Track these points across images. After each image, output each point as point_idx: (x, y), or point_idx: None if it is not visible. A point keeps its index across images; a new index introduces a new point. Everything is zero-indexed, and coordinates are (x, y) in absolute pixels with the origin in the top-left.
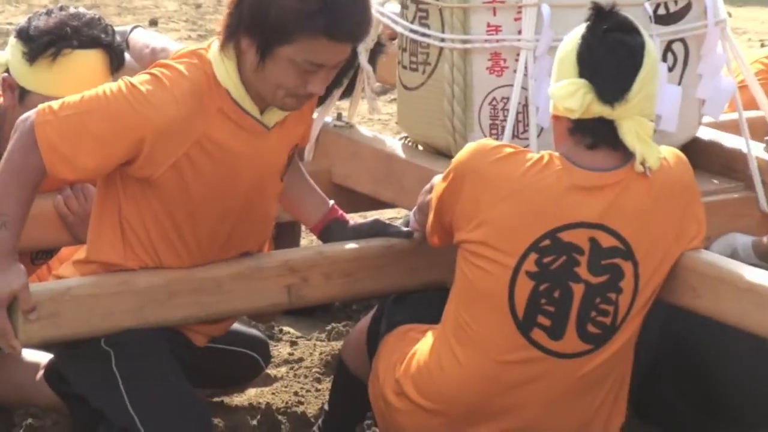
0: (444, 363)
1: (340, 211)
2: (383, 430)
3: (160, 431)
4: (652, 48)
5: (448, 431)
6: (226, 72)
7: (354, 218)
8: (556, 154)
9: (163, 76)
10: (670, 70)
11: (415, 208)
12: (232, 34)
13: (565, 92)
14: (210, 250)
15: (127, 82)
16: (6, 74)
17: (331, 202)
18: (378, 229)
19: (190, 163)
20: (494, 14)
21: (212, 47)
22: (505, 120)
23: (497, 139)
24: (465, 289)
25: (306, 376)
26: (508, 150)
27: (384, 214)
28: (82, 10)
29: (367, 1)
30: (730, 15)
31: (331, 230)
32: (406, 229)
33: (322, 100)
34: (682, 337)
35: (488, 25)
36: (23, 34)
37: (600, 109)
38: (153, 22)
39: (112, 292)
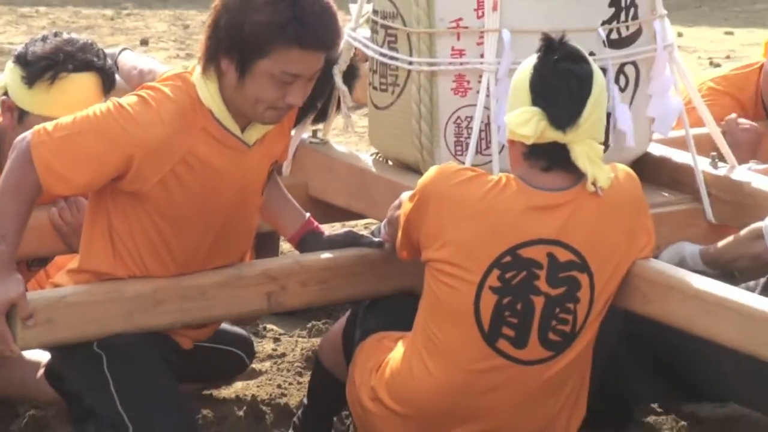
0: (415, 371)
1: (316, 223)
2: (361, 426)
3: (146, 428)
4: (600, 76)
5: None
6: (208, 93)
7: (328, 229)
8: (513, 176)
9: (150, 97)
10: (623, 90)
11: (385, 220)
12: (212, 56)
13: (520, 120)
14: (194, 259)
15: (116, 103)
16: (5, 96)
17: (307, 214)
18: (351, 239)
19: (176, 178)
20: (458, 39)
21: (195, 70)
22: (469, 137)
23: (462, 155)
24: (433, 304)
25: (288, 370)
26: (470, 174)
27: (356, 225)
28: (75, 35)
29: (333, 11)
30: (681, 35)
31: (307, 241)
32: (377, 239)
33: (298, 120)
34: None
35: (453, 49)
36: (21, 59)
37: (553, 135)
38: (144, 42)
39: (103, 300)
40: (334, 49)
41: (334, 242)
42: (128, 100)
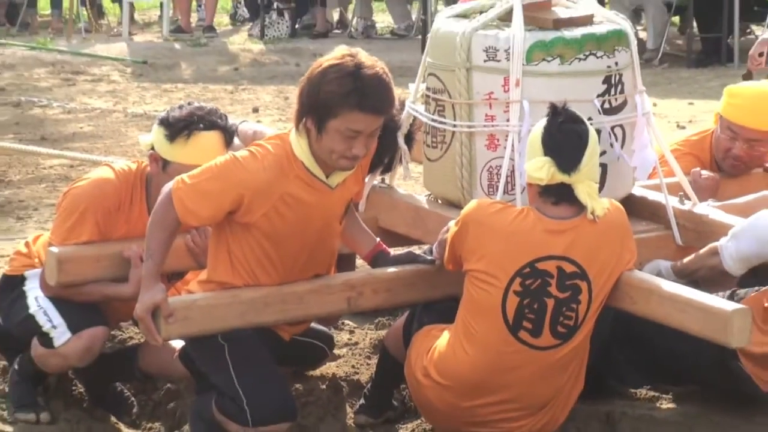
0: (457, 353)
1: (384, 246)
2: (415, 400)
3: (256, 400)
4: (593, 133)
5: (459, 401)
6: (300, 148)
7: (393, 251)
8: (531, 208)
9: (257, 152)
10: (613, 146)
11: (436, 243)
12: (300, 118)
13: (535, 167)
14: (292, 271)
15: (232, 156)
16: (152, 150)
17: (378, 239)
18: (410, 258)
19: (276, 212)
20: (490, 107)
21: (292, 132)
22: (498, 182)
23: (493, 195)
24: (470, 304)
25: (360, 355)
26: (500, 206)
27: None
28: (203, 104)
29: (388, 83)
30: (655, 105)
31: (377, 259)
32: (430, 258)
33: (371, 170)
34: (630, 324)
35: (486, 116)
36: (165, 122)
37: (560, 177)
38: (255, 110)
39: (225, 303)
40: (389, 112)
41: (397, 260)
42: (241, 153)
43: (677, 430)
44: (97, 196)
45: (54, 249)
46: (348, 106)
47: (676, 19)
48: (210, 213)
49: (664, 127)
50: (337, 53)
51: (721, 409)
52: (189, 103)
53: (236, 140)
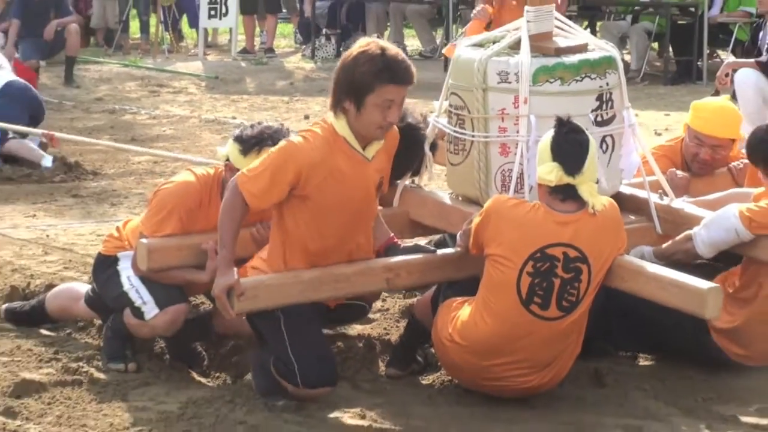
0: (477, 323)
1: (396, 239)
2: (441, 359)
3: (305, 368)
4: (593, 141)
5: (478, 361)
6: (341, 127)
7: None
8: (542, 203)
9: (307, 135)
10: (604, 153)
11: (461, 232)
12: (338, 101)
13: (546, 171)
14: (337, 237)
15: (288, 141)
16: (228, 161)
17: (391, 234)
18: (416, 248)
19: (326, 183)
20: (503, 121)
21: (329, 115)
22: (510, 182)
23: (505, 193)
24: (489, 282)
25: (390, 319)
26: (515, 201)
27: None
28: (270, 123)
29: (407, 60)
30: (637, 115)
31: (388, 250)
32: (431, 248)
33: (401, 175)
34: (622, 299)
35: (499, 128)
36: (239, 139)
37: (567, 179)
38: (306, 117)
39: (288, 283)
40: (412, 82)
41: (406, 251)
42: (294, 138)
43: (652, 381)
44: (181, 197)
45: (144, 240)
46: (382, 81)
47: (656, 44)
48: (275, 192)
49: (643, 134)
50: (361, 42)
51: (690, 367)
52: (259, 123)
53: None
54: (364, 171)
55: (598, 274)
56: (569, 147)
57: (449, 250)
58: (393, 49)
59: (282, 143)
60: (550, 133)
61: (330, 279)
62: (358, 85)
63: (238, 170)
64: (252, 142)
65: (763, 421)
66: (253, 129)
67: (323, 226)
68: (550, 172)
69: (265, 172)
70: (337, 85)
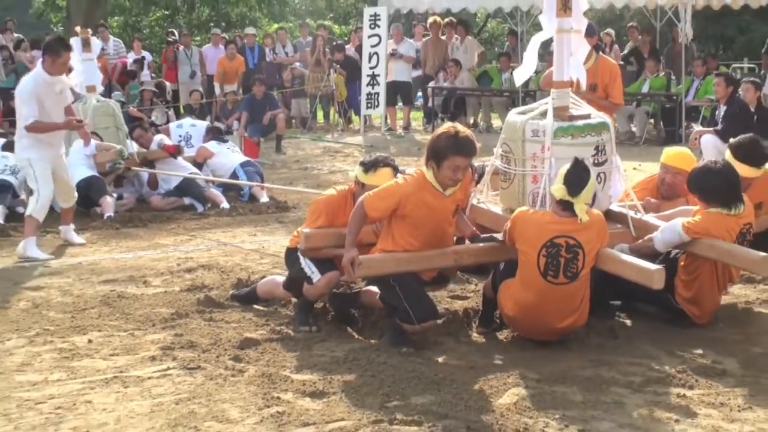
0: (519, 291)
1: (477, 231)
2: (506, 320)
3: (417, 310)
4: (593, 177)
5: (528, 317)
6: (429, 175)
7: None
8: (550, 211)
9: (408, 178)
10: (600, 183)
11: (503, 231)
12: (427, 160)
13: (556, 188)
14: (425, 244)
15: (395, 181)
16: (356, 179)
17: (474, 228)
18: (490, 238)
19: (416, 209)
20: (533, 161)
21: (423, 168)
22: (537, 201)
23: (534, 207)
24: (522, 265)
25: (479, 295)
26: (532, 210)
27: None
28: (383, 154)
29: (473, 139)
30: (639, 165)
31: (473, 239)
32: (499, 238)
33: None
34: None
35: (532, 165)
36: (363, 163)
37: (568, 197)
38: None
39: (389, 259)
40: (474, 155)
41: (482, 239)
42: (401, 178)
43: (650, 335)
44: (327, 203)
45: (305, 230)
46: (452, 152)
47: (652, 120)
48: (385, 210)
49: (641, 175)
50: (446, 125)
51: (673, 328)
52: (376, 154)
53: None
54: (443, 202)
55: (588, 256)
56: (576, 177)
57: (496, 242)
58: (464, 131)
59: (392, 182)
60: (568, 165)
61: (416, 258)
62: (438, 154)
63: (363, 184)
64: (371, 164)
65: (720, 358)
66: (370, 157)
67: (414, 235)
68: (558, 190)
69: (381, 198)
70: (427, 151)
